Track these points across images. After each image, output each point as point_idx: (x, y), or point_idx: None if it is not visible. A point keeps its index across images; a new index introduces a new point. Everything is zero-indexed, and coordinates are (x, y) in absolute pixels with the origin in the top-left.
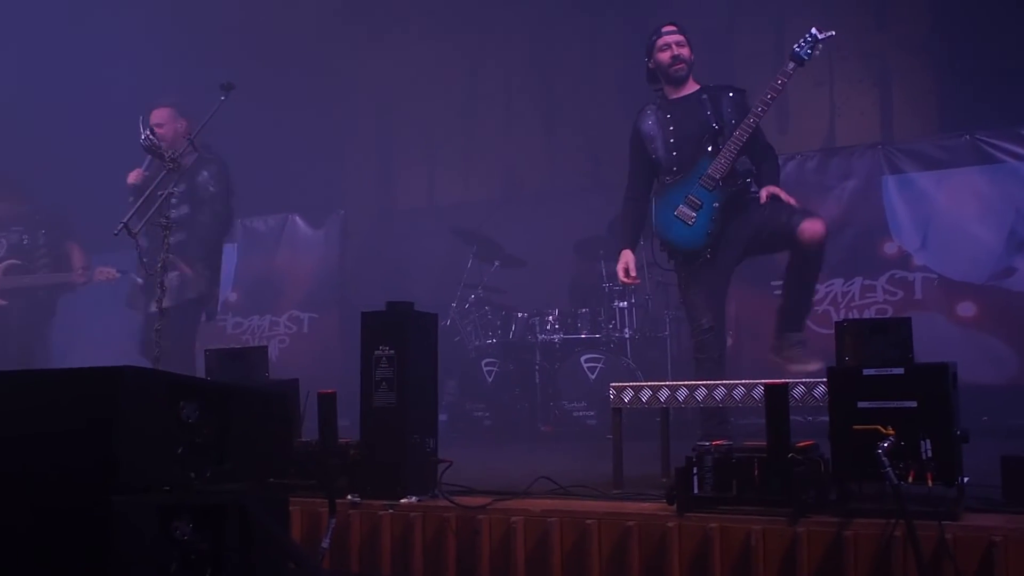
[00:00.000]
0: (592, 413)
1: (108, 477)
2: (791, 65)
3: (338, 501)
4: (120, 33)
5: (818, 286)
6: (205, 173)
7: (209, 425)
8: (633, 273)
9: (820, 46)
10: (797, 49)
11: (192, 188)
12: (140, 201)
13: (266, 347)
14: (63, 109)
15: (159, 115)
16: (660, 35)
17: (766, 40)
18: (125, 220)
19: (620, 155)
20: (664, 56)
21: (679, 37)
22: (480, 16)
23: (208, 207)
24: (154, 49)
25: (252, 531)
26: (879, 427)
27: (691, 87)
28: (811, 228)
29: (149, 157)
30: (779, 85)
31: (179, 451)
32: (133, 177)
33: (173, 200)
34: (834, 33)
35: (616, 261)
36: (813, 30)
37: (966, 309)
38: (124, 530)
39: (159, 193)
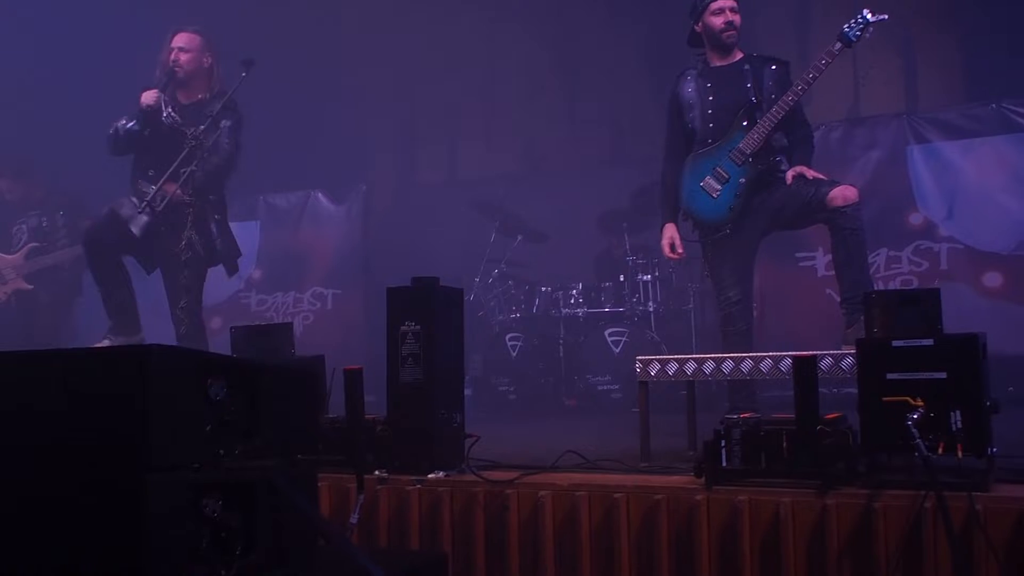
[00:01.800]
0: (617, 387)
1: (139, 455)
2: (838, 45)
3: (366, 477)
4: (133, 11)
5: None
6: (223, 124)
7: (237, 402)
8: (680, 249)
9: (871, 28)
10: (847, 30)
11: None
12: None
13: (291, 324)
14: (73, 90)
15: (186, 39)
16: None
17: (788, 7)
18: (148, 199)
19: (643, 127)
20: (717, 20)
21: (733, 3)
22: None
23: (215, 159)
24: (170, 25)
25: (282, 507)
26: (908, 399)
27: (735, 55)
28: (842, 193)
29: (167, 78)
30: (823, 64)
31: (208, 428)
32: (148, 98)
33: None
34: (886, 16)
35: (641, 233)
36: (865, 12)
37: (992, 279)
38: (157, 507)
39: (182, 171)
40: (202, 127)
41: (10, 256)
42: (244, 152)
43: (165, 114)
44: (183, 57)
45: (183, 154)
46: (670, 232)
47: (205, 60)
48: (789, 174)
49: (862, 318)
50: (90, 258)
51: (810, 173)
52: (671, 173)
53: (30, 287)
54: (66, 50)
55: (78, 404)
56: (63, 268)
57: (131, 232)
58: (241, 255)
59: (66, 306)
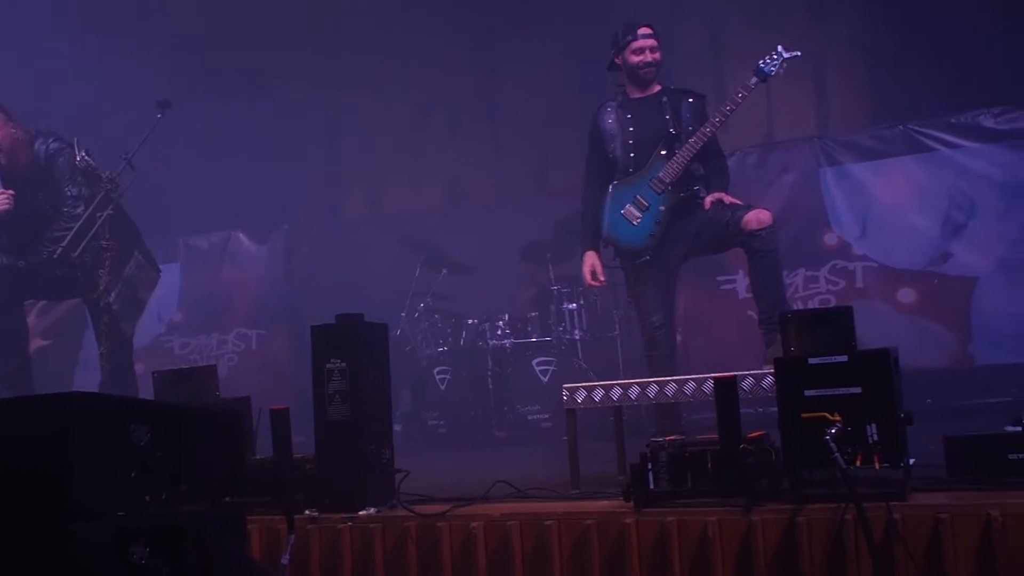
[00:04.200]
0: (547, 416)
1: (63, 503)
2: (754, 80)
3: (296, 516)
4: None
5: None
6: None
7: (161, 447)
8: (602, 276)
9: (785, 64)
10: (762, 65)
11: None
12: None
13: (215, 366)
14: None
15: None
16: (636, 37)
17: (703, 38)
18: (64, 244)
19: (565, 158)
20: (637, 59)
21: (654, 42)
22: (423, 26)
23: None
24: (87, 67)
25: (211, 552)
26: (826, 414)
27: (654, 88)
28: (756, 217)
29: (1, 172)
30: (739, 98)
31: (132, 474)
32: (1, 203)
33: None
34: (800, 53)
35: (564, 263)
36: (780, 48)
37: (907, 295)
38: (83, 556)
39: (98, 215)
40: (119, 170)
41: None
42: (162, 193)
43: (79, 158)
44: None
45: (98, 198)
46: (591, 260)
47: (15, 132)
48: (708, 200)
49: (779, 338)
50: None
51: (727, 199)
52: (591, 202)
53: (47, 342)
54: None
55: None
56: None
57: (43, 275)
58: (141, 309)
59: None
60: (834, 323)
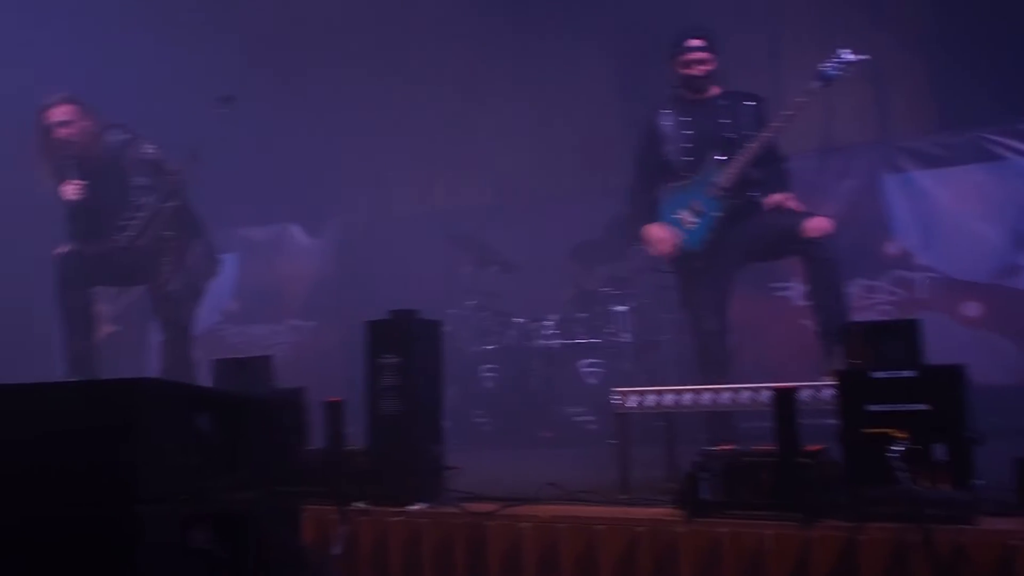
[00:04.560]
0: (593, 418)
1: (128, 487)
2: (816, 84)
3: (348, 508)
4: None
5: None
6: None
7: (223, 435)
8: (673, 243)
9: (849, 68)
10: (824, 68)
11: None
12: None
13: (271, 356)
14: None
15: (63, 112)
16: (684, 50)
17: (761, 40)
18: (133, 234)
19: (617, 158)
20: (686, 72)
21: (704, 55)
22: (470, 21)
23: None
24: (150, 59)
25: (269, 539)
26: (890, 430)
27: (712, 91)
28: (816, 224)
29: (72, 164)
30: (801, 102)
31: (195, 461)
32: (73, 192)
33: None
34: (865, 56)
35: (614, 264)
36: (845, 51)
37: (971, 308)
38: (147, 539)
39: (162, 206)
40: (183, 162)
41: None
42: (221, 185)
43: (146, 150)
44: (69, 131)
45: (164, 189)
46: (656, 230)
47: (89, 124)
48: (769, 201)
49: (838, 348)
50: (61, 293)
51: (790, 203)
52: (642, 201)
53: (118, 328)
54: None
55: (68, 436)
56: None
57: (110, 261)
58: (200, 299)
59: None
60: (901, 336)
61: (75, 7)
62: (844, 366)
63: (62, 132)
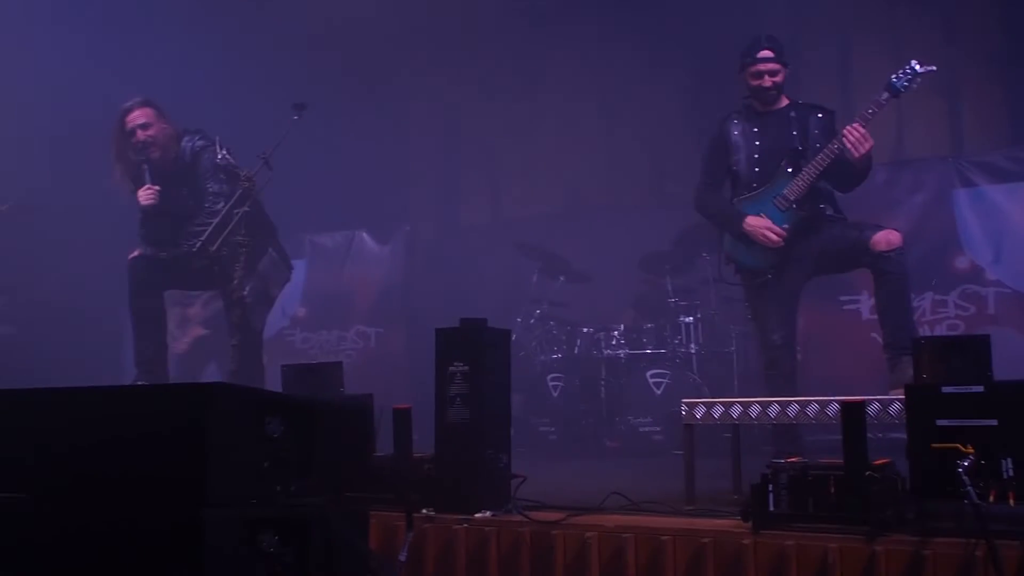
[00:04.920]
0: (658, 429)
1: (198, 490)
2: (885, 95)
3: (414, 515)
4: (175, 53)
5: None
6: (211, 155)
7: (293, 440)
8: (778, 231)
9: (919, 79)
10: (894, 80)
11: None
12: (216, 219)
13: (340, 362)
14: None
15: (143, 115)
16: (755, 61)
17: (831, 52)
18: (203, 239)
19: (685, 169)
20: (755, 83)
21: (773, 65)
22: (541, 31)
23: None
24: (224, 66)
25: (335, 544)
26: (958, 445)
27: (781, 102)
28: (885, 238)
29: (147, 168)
30: (869, 114)
31: (265, 465)
32: (148, 197)
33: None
34: (935, 68)
35: (682, 275)
36: (914, 63)
37: None
38: (215, 542)
39: (235, 212)
40: (255, 169)
41: (191, 309)
42: (292, 192)
43: (220, 156)
44: (149, 133)
45: (237, 194)
46: (756, 220)
47: (167, 128)
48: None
49: (905, 362)
50: (133, 296)
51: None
52: (713, 200)
53: (207, 331)
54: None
55: (139, 440)
56: None
57: (183, 266)
58: (271, 305)
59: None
60: (970, 351)
61: (151, 12)
62: (913, 381)
63: (140, 135)
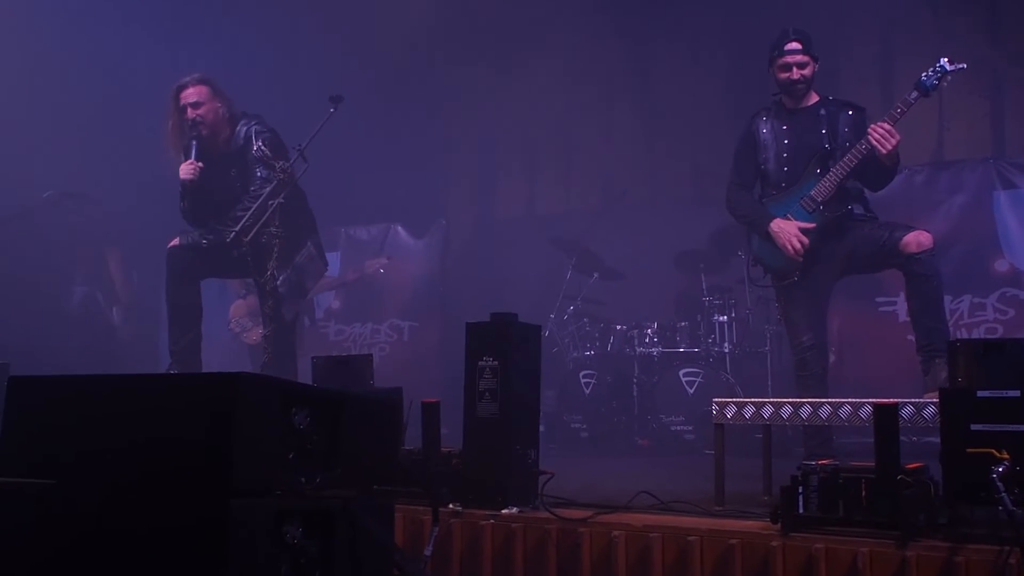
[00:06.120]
0: (690, 428)
1: (224, 480)
2: (914, 94)
3: (441, 509)
4: (217, 45)
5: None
6: (264, 142)
7: (319, 432)
8: (804, 238)
9: (949, 78)
10: (924, 79)
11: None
12: (253, 207)
13: (371, 355)
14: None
15: (196, 92)
16: (783, 53)
17: (872, 50)
18: (237, 228)
19: (722, 167)
20: (784, 76)
21: (801, 57)
22: (579, 24)
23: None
24: (253, 60)
25: (360, 537)
26: (993, 451)
27: (811, 99)
28: (916, 239)
29: (195, 144)
30: (897, 113)
31: (291, 456)
32: (187, 172)
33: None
34: (965, 66)
35: (717, 274)
36: (943, 61)
37: None
38: (240, 532)
39: (269, 203)
40: (290, 162)
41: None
42: (328, 184)
43: (255, 148)
44: (200, 112)
45: (272, 186)
46: (784, 225)
47: (220, 106)
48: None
49: (938, 364)
50: (170, 285)
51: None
52: (745, 199)
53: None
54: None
55: (166, 429)
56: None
57: (223, 255)
58: (304, 297)
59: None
60: (1007, 355)
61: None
62: (947, 384)
63: (191, 113)
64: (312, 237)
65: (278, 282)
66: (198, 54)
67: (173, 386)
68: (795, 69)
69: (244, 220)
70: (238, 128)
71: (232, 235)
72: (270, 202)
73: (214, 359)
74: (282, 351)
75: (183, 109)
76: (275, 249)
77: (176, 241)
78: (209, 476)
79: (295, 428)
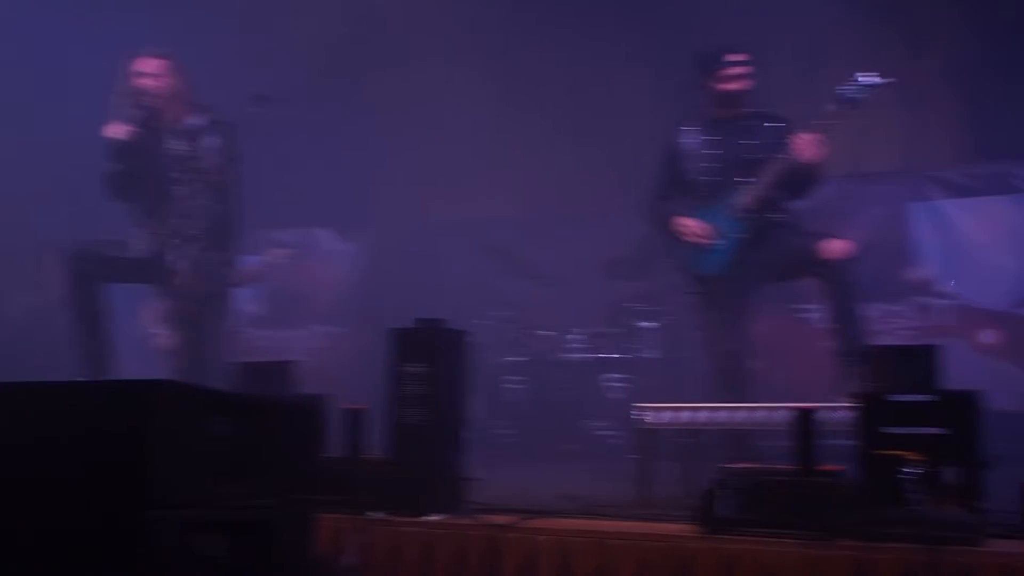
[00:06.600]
0: (615, 433)
1: (140, 490)
2: (840, 106)
3: (364, 517)
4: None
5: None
6: (214, 140)
7: (241, 439)
8: (704, 230)
9: (875, 91)
10: (850, 91)
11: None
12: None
13: (294, 361)
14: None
15: (152, 64)
16: (727, 65)
17: (794, 64)
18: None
19: (648, 176)
20: (726, 87)
21: (744, 69)
22: (507, 31)
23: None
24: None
25: (283, 547)
26: (905, 453)
27: (738, 110)
28: (833, 246)
29: (136, 112)
30: (823, 125)
31: (211, 465)
32: (117, 131)
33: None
34: (881, 80)
35: (642, 281)
36: (869, 75)
37: (988, 336)
38: (156, 545)
39: (191, 203)
40: (209, 158)
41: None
42: (252, 186)
43: (174, 145)
44: (153, 83)
45: (193, 186)
46: (689, 220)
47: (177, 83)
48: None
49: (853, 372)
50: (73, 291)
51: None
52: (662, 209)
53: None
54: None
55: (80, 437)
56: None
57: (129, 259)
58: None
59: None
60: (919, 360)
61: None
62: (862, 388)
63: (144, 81)
64: (232, 239)
65: (196, 287)
66: (113, 51)
67: (88, 392)
68: (738, 81)
69: (168, 220)
70: (194, 118)
71: (149, 236)
72: (191, 203)
73: (128, 365)
74: (198, 359)
75: (135, 76)
76: (195, 252)
77: (77, 245)
78: (124, 486)
79: (215, 436)
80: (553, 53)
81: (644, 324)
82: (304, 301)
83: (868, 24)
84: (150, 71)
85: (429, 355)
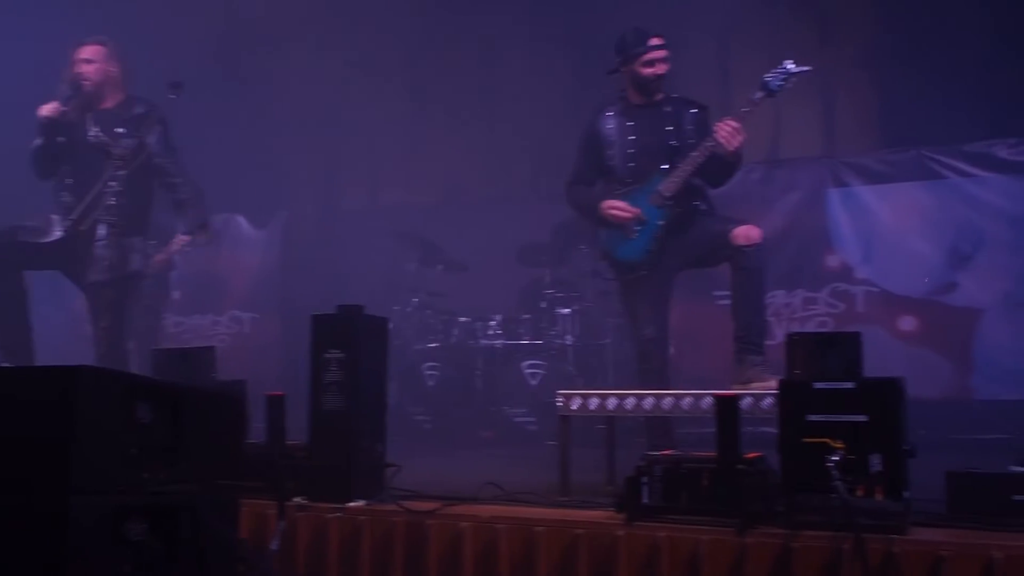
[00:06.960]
0: (533, 419)
1: (63, 477)
2: (759, 94)
3: (286, 504)
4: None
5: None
6: (143, 126)
7: (162, 426)
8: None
9: (794, 79)
10: (770, 79)
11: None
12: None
13: (214, 347)
14: None
15: (91, 51)
16: (648, 49)
17: (709, 50)
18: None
19: (565, 162)
20: (647, 71)
21: (664, 53)
22: (421, 18)
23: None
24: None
25: (204, 532)
26: (828, 440)
27: (656, 96)
28: (745, 232)
29: (72, 91)
30: (743, 113)
31: (133, 451)
32: (48, 109)
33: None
34: (809, 68)
35: (560, 267)
36: (787, 63)
37: (907, 323)
38: (79, 530)
39: (105, 190)
40: (128, 146)
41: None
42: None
43: (92, 133)
44: (87, 68)
45: (107, 174)
46: (608, 202)
47: (111, 69)
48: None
49: (748, 362)
50: None
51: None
52: (582, 195)
53: None
54: None
55: (2, 422)
56: None
57: (45, 245)
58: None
59: None
60: (842, 348)
61: None
62: (754, 380)
63: (81, 67)
64: (146, 225)
65: (113, 274)
66: (26, 35)
67: (9, 378)
68: (659, 64)
69: (80, 209)
70: (133, 107)
71: (68, 224)
72: (106, 190)
73: (49, 352)
74: (115, 344)
75: (74, 63)
76: (110, 238)
77: None
78: (48, 472)
79: (138, 422)
80: (468, 38)
81: (562, 310)
82: (221, 287)
83: (775, 13)
84: (86, 57)
85: (349, 341)
